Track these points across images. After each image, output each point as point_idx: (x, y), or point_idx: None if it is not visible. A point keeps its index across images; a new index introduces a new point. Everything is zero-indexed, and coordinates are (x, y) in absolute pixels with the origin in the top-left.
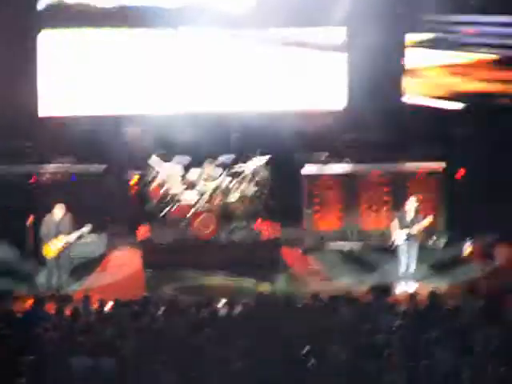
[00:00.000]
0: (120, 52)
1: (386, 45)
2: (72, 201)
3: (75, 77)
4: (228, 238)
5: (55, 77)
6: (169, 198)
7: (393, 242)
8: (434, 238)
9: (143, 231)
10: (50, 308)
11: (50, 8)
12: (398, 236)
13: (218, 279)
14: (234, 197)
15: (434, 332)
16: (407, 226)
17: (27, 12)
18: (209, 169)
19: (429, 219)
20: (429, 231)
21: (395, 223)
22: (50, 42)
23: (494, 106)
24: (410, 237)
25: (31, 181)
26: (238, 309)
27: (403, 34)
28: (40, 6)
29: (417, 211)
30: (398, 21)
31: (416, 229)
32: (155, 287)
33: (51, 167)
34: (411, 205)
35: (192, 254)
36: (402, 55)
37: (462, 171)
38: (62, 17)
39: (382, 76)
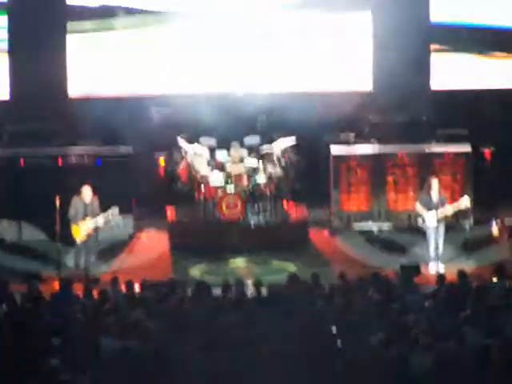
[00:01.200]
0: (147, 33)
1: (411, 27)
2: (98, 183)
3: (103, 57)
4: (255, 220)
5: (84, 57)
6: (196, 179)
7: (423, 223)
8: (462, 218)
9: (170, 213)
10: (78, 290)
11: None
12: (429, 218)
13: (245, 261)
14: (260, 178)
15: (462, 312)
16: (434, 208)
17: None
18: (235, 150)
19: (466, 201)
20: (456, 212)
21: (419, 205)
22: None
23: None
24: (439, 218)
25: (58, 163)
26: (265, 290)
27: (428, 16)
28: None
29: (440, 192)
30: (423, 4)
31: (449, 210)
32: (182, 269)
33: (78, 149)
34: (435, 186)
35: (219, 235)
36: (428, 37)
37: (488, 151)
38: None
39: (408, 57)
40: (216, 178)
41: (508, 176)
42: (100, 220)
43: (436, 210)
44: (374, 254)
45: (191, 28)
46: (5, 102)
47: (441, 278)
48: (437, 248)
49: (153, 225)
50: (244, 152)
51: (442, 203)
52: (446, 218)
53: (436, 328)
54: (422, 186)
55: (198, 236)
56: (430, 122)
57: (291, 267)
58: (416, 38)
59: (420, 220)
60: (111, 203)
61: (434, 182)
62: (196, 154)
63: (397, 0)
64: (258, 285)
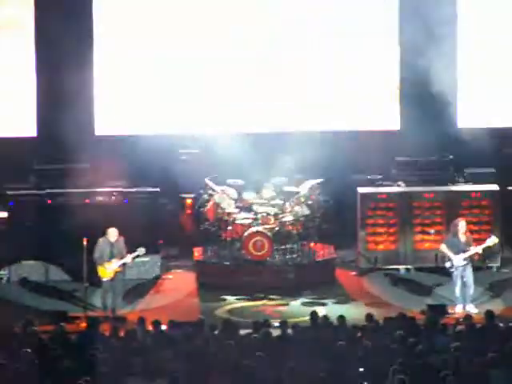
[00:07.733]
0: (176, 70)
1: (439, 66)
2: (125, 223)
3: (132, 95)
4: (282, 260)
5: (112, 95)
6: (223, 219)
7: (451, 265)
8: (489, 259)
9: (197, 253)
10: (105, 329)
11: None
12: (456, 259)
13: (271, 301)
14: (287, 219)
15: (489, 353)
16: (461, 249)
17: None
18: (262, 191)
19: (493, 241)
20: (484, 252)
21: (445, 247)
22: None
23: None
24: (467, 259)
25: (85, 203)
26: (291, 330)
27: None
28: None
29: (467, 233)
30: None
31: (476, 250)
32: (209, 309)
33: (105, 189)
34: (462, 228)
35: (246, 275)
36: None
37: None
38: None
39: (436, 98)
40: (243, 218)
41: None
42: (127, 260)
43: (463, 252)
44: (401, 294)
45: (217, 68)
46: (32, 138)
47: (468, 318)
48: (463, 288)
49: (180, 265)
50: (271, 193)
51: (468, 244)
52: (472, 258)
53: (463, 369)
54: (449, 225)
55: (225, 276)
56: (457, 161)
57: (317, 308)
58: (442, 76)
59: (447, 262)
60: (138, 244)
61: (462, 224)
62: (223, 195)
63: (425, 35)
64: (283, 325)
